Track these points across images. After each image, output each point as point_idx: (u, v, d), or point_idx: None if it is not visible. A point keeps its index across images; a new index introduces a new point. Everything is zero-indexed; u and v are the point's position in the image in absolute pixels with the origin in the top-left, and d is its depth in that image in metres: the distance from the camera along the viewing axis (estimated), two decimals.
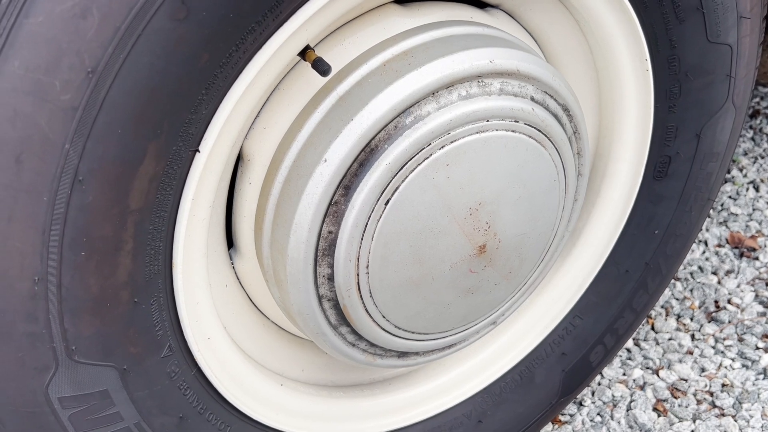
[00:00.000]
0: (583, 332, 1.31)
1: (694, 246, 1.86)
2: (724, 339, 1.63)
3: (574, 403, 1.51)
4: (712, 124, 1.16)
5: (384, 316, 0.97)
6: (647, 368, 1.57)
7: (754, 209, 1.98)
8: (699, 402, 1.50)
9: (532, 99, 0.94)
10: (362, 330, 0.98)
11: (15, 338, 0.74)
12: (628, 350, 1.61)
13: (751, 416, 1.46)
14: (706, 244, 1.87)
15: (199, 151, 0.77)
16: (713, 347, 1.62)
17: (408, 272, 0.94)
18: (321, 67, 0.83)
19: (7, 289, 0.72)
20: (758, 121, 2.28)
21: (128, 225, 0.75)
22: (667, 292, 1.75)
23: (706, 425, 1.44)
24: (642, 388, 1.53)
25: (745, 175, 2.09)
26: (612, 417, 1.48)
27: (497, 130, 0.91)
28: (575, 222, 1.16)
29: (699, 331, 1.66)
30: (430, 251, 0.93)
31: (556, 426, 1.46)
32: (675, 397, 1.51)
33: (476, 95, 0.89)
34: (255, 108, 0.87)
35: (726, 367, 1.57)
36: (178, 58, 0.69)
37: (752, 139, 2.22)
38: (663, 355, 1.60)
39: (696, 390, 1.52)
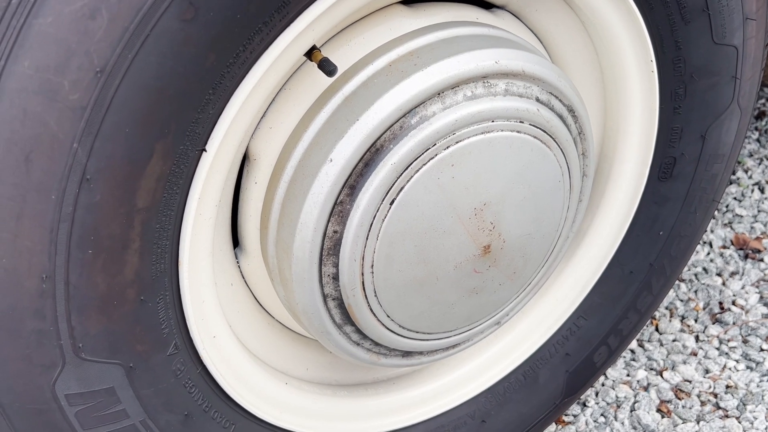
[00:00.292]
0: (587, 333, 1.31)
1: (698, 247, 1.85)
2: (729, 340, 1.63)
3: (578, 403, 1.51)
4: (718, 125, 1.16)
5: (388, 316, 0.98)
6: (651, 369, 1.57)
7: (759, 211, 1.97)
8: (703, 403, 1.50)
9: (538, 100, 0.94)
10: (367, 329, 0.98)
11: (23, 335, 0.75)
12: (632, 351, 1.61)
13: (755, 418, 1.46)
14: (710, 245, 1.87)
15: (205, 151, 0.78)
16: (717, 349, 1.62)
17: (412, 272, 0.94)
18: (327, 67, 0.84)
19: (16, 286, 0.72)
20: (764, 123, 2.27)
21: (135, 224, 0.75)
22: (671, 293, 1.74)
23: (710, 427, 1.44)
24: (646, 389, 1.53)
25: (750, 177, 2.08)
26: (616, 418, 1.48)
27: (502, 130, 0.91)
28: (580, 223, 1.16)
29: (703, 332, 1.65)
30: (434, 251, 0.93)
31: (560, 426, 1.46)
32: (679, 399, 1.51)
33: (481, 96, 0.89)
34: (261, 108, 0.88)
35: (730, 369, 1.57)
36: (186, 58, 0.70)
37: (757, 140, 2.21)
38: (667, 357, 1.60)
39: (700, 391, 1.52)
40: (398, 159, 0.86)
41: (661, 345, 1.63)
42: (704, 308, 1.71)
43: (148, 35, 0.67)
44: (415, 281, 0.95)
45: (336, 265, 0.91)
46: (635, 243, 1.26)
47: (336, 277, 0.91)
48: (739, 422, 1.46)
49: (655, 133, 1.15)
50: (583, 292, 1.28)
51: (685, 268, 1.77)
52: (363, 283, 0.92)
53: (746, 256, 1.84)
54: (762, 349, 1.61)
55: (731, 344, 1.62)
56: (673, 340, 1.63)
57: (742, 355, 1.60)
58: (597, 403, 1.50)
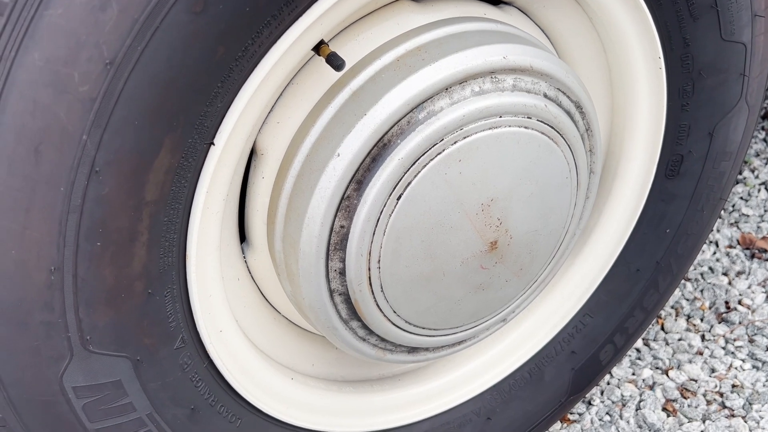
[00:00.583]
0: (593, 331, 1.30)
1: (704, 247, 1.85)
2: (735, 340, 1.63)
3: (583, 402, 1.50)
4: (725, 123, 1.16)
5: (395, 311, 0.97)
6: (657, 368, 1.57)
7: (765, 210, 1.96)
8: (709, 402, 1.50)
9: (545, 95, 0.94)
10: (373, 325, 0.98)
11: (31, 327, 0.75)
12: (638, 350, 1.61)
13: (761, 417, 1.46)
14: (717, 245, 1.86)
15: (213, 144, 0.78)
16: (723, 348, 1.61)
17: (419, 267, 0.94)
18: (335, 62, 0.84)
19: (25, 278, 0.72)
20: None
21: (143, 217, 0.75)
22: (677, 292, 1.74)
23: (716, 426, 1.44)
24: (651, 387, 1.53)
25: (756, 177, 2.08)
26: (621, 416, 1.47)
27: (510, 126, 0.91)
28: (587, 220, 1.16)
29: (709, 331, 1.65)
30: (441, 247, 0.93)
31: (565, 424, 1.46)
32: (684, 398, 1.51)
33: (489, 91, 0.89)
34: (269, 102, 0.88)
35: (736, 368, 1.56)
36: (195, 51, 0.70)
37: (764, 140, 2.21)
38: (673, 356, 1.59)
39: (706, 390, 1.52)
40: (406, 154, 0.86)
41: (667, 344, 1.62)
42: (710, 307, 1.71)
43: (157, 27, 0.67)
44: (421, 277, 0.95)
45: (343, 260, 0.91)
46: (642, 241, 1.25)
47: (343, 272, 0.91)
48: (745, 421, 1.45)
49: (662, 130, 1.15)
50: (590, 290, 1.28)
51: (691, 268, 1.77)
52: (370, 278, 0.92)
53: (752, 256, 1.83)
54: None
55: (737, 344, 1.61)
56: (679, 339, 1.63)
57: (748, 355, 1.59)
58: (602, 402, 1.50)
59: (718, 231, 1.89)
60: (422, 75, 0.86)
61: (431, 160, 0.88)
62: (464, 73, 0.87)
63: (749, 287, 1.75)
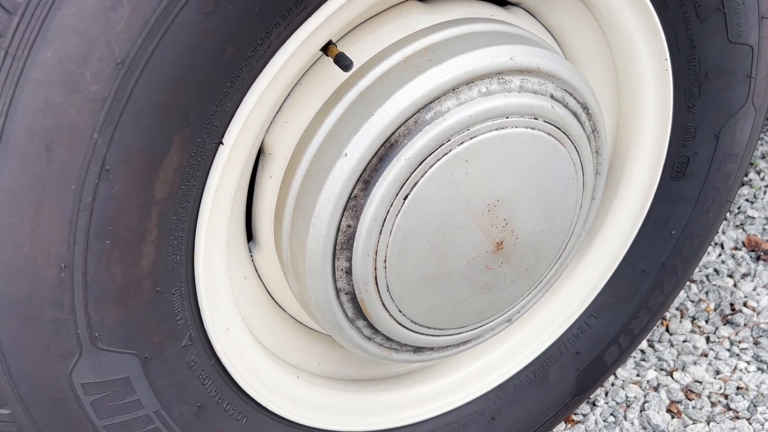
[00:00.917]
0: (598, 332, 1.30)
1: (710, 249, 1.85)
2: (740, 342, 1.62)
3: (588, 402, 1.51)
4: (732, 124, 1.16)
5: (400, 311, 0.98)
6: (661, 370, 1.57)
7: None
8: (713, 404, 1.50)
9: (552, 96, 0.94)
10: (378, 324, 0.98)
11: (41, 324, 0.76)
12: (642, 351, 1.61)
13: (766, 419, 1.45)
14: (722, 246, 1.86)
15: (222, 143, 0.78)
16: (728, 350, 1.61)
17: (425, 267, 0.94)
18: (343, 62, 0.84)
19: (35, 275, 0.73)
20: None
21: (152, 215, 0.76)
22: (682, 294, 1.74)
23: (721, 428, 1.44)
24: (656, 389, 1.53)
25: (762, 179, 2.07)
26: (625, 417, 1.47)
27: (516, 127, 0.91)
28: (592, 221, 1.16)
29: (714, 333, 1.65)
30: (447, 247, 0.94)
31: (569, 425, 1.46)
32: (689, 399, 1.51)
33: (496, 92, 0.89)
34: (277, 102, 0.88)
35: (741, 370, 1.56)
36: (205, 51, 0.70)
37: None
38: (677, 357, 1.59)
39: (710, 392, 1.52)
40: (412, 154, 0.87)
41: (672, 345, 1.62)
42: (715, 309, 1.70)
43: (168, 27, 0.68)
44: (427, 276, 0.95)
45: (349, 260, 0.91)
46: (647, 242, 1.26)
47: (349, 272, 0.92)
48: (750, 423, 1.45)
49: (668, 131, 1.15)
50: (595, 291, 1.28)
51: (696, 270, 1.77)
52: (376, 277, 0.93)
53: (758, 258, 1.83)
54: None
55: (742, 345, 1.61)
56: (684, 341, 1.63)
57: (753, 357, 1.59)
58: (607, 403, 1.50)
59: (723, 233, 1.89)
60: (429, 75, 0.86)
61: (438, 160, 0.88)
62: (471, 74, 0.87)
63: (754, 289, 1.74)
